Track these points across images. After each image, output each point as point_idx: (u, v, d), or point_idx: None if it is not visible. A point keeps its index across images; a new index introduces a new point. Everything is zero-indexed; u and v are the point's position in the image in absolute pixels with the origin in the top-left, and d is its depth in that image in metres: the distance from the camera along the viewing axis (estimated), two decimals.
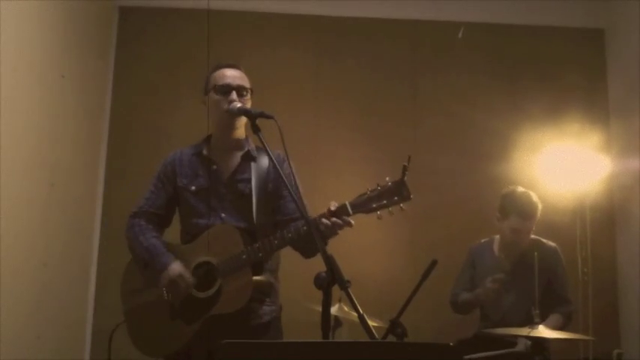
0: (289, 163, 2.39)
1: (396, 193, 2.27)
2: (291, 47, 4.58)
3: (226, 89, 2.59)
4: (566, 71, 4.54)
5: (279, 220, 2.60)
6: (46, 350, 3.47)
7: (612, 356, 3.90)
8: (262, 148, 2.35)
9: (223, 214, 2.58)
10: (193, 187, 2.61)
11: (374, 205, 2.29)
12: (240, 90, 2.59)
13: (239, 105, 2.53)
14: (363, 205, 2.31)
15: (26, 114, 3.23)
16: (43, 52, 3.43)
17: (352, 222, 2.34)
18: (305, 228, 2.34)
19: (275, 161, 2.28)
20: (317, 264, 2.07)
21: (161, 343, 2.54)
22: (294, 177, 2.39)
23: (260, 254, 2.44)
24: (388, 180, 2.29)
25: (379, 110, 4.55)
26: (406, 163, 2.23)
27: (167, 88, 4.45)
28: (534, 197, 3.48)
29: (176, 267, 2.49)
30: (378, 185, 2.31)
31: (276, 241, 2.43)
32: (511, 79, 4.58)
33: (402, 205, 2.27)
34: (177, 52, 4.50)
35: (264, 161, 2.63)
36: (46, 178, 3.49)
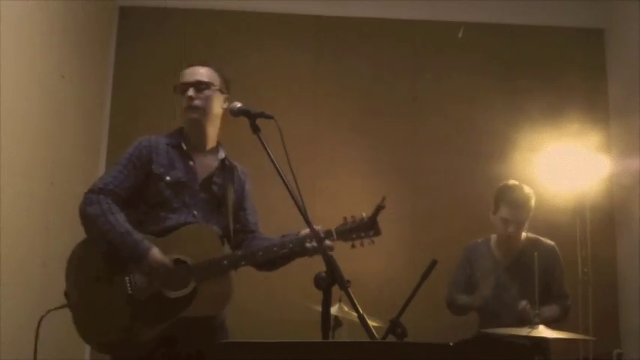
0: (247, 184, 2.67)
1: (369, 227, 2.49)
2: (291, 47, 4.58)
3: (184, 88, 2.61)
4: (566, 71, 4.54)
5: (236, 230, 2.65)
6: (46, 350, 3.46)
7: (612, 356, 3.90)
8: (230, 161, 2.58)
9: (195, 212, 2.55)
10: (168, 178, 2.53)
11: (353, 235, 2.50)
12: (197, 85, 2.60)
13: (239, 105, 2.52)
14: (345, 234, 2.49)
15: (26, 114, 3.23)
16: (43, 52, 3.43)
17: (333, 247, 2.45)
18: (291, 245, 2.46)
19: (242, 175, 2.58)
20: (317, 264, 2.07)
21: (117, 340, 2.39)
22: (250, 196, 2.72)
23: (242, 262, 2.45)
24: (364, 215, 2.49)
25: (379, 110, 4.55)
26: (381, 203, 2.42)
27: (167, 88, 4.41)
28: (526, 189, 3.50)
29: (157, 253, 2.40)
30: (353, 217, 2.51)
31: (260, 253, 2.47)
32: (511, 79, 4.58)
33: (373, 239, 2.51)
34: (177, 52, 4.49)
35: (232, 172, 2.69)
36: (46, 177, 3.49)
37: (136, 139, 2.63)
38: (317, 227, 2.40)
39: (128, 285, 2.42)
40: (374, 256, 4.22)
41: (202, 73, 2.63)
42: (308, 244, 2.45)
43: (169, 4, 4.55)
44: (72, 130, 3.84)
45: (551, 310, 3.37)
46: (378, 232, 2.51)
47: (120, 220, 2.42)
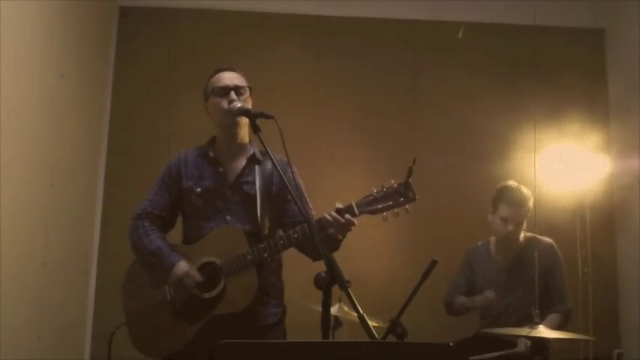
0: (291, 168, 2.37)
1: (401, 194, 2.32)
2: (291, 47, 4.58)
3: (225, 90, 2.61)
4: (566, 71, 4.54)
5: (285, 223, 2.64)
6: (46, 350, 3.47)
7: (612, 356, 3.90)
8: (266, 153, 2.37)
9: (228, 217, 2.59)
10: (199, 189, 2.62)
11: (380, 206, 2.33)
12: (237, 89, 2.61)
13: (239, 105, 2.55)
14: (368, 206, 2.34)
15: (26, 114, 3.23)
16: (43, 52, 3.43)
17: (355, 221, 2.35)
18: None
19: (278, 166, 2.31)
20: (317, 264, 2.08)
21: (162, 344, 2.55)
22: (296, 180, 2.49)
23: (265, 254, 2.45)
24: (393, 182, 2.34)
25: (379, 110, 4.55)
26: (412, 165, 2.26)
27: (167, 87, 4.44)
28: (525, 190, 3.53)
29: (183, 265, 2.52)
30: (383, 186, 2.34)
31: (281, 242, 2.45)
32: (511, 79, 4.58)
33: (407, 206, 2.32)
34: (177, 52, 4.50)
35: (268, 165, 2.64)
36: (46, 178, 3.48)
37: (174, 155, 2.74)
38: (337, 203, 2.38)
39: (167, 293, 2.54)
40: (374, 256, 4.25)
41: (239, 77, 2.67)
42: (331, 230, 2.36)
43: (169, 4, 4.55)
44: (72, 131, 3.84)
45: (551, 319, 3.37)
46: (412, 198, 2.30)
47: (153, 239, 2.60)
